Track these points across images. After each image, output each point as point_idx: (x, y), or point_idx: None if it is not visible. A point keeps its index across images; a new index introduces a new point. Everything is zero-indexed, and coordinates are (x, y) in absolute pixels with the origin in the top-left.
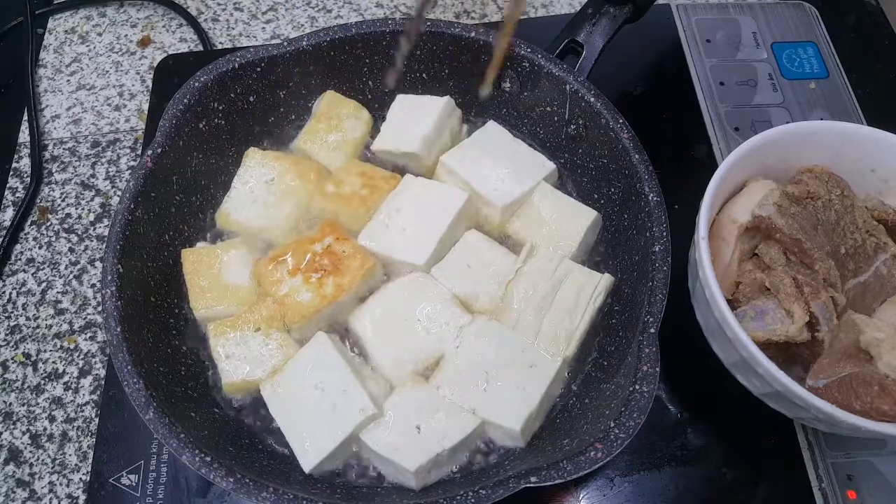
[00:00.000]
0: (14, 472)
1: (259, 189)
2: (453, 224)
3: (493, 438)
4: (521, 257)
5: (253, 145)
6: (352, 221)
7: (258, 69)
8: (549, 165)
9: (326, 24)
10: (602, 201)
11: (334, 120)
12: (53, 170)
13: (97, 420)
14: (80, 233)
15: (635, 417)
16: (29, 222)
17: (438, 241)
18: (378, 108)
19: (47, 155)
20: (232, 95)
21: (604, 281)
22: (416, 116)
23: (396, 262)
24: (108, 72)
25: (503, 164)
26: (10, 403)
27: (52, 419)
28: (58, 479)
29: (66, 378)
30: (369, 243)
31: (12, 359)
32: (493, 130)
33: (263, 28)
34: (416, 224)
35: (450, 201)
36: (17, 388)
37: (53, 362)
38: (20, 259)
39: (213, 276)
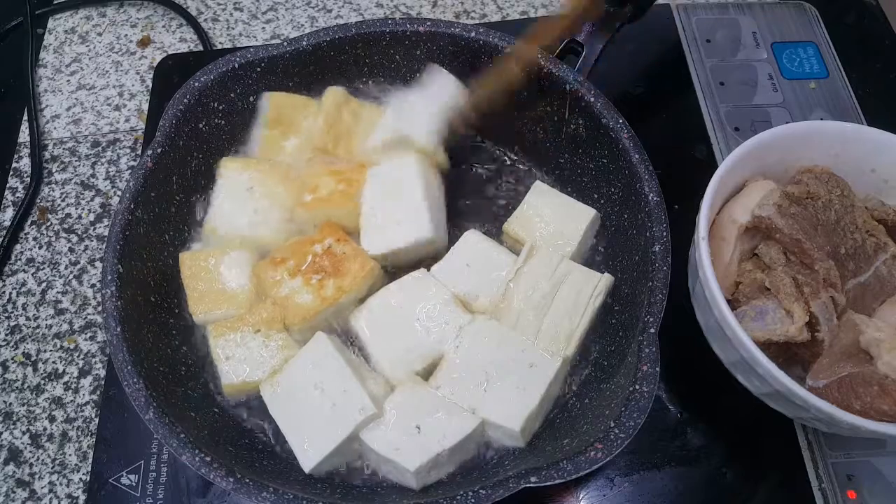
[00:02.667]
0: (14, 472)
1: (242, 199)
2: (427, 186)
3: (493, 438)
4: (521, 257)
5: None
6: (344, 218)
7: (258, 69)
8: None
9: (326, 24)
10: (602, 201)
11: (286, 124)
12: (53, 170)
13: (97, 420)
14: (80, 233)
15: (635, 417)
16: (29, 222)
17: (428, 206)
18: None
19: (47, 155)
20: (232, 95)
21: (604, 281)
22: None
23: (407, 248)
24: (108, 72)
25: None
26: (10, 403)
27: (52, 419)
28: (58, 479)
29: (66, 378)
30: (375, 250)
31: (12, 359)
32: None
33: (263, 28)
34: (402, 207)
35: (407, 170)
36: (17, 388)
37: (53, 362)
38: (20, 259)
39: (210, 279)
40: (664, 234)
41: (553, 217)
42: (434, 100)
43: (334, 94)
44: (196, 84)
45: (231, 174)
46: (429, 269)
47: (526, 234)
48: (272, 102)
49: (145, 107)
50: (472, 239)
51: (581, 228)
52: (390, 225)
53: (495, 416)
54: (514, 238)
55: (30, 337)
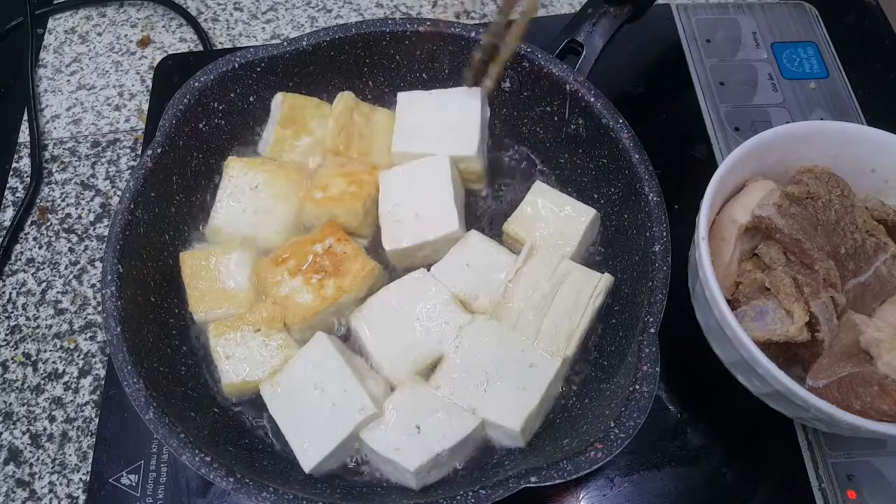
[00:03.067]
0: (14, 472)
1: (247, 198)
2: (454, 183)
3: (493, 438)
4: (521, 257)
5: (252, 146)
6: (349, 219)
7: (258, 69)
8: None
9: (326, 24)
10: (602, 201)
11: (299, 124)
12: (53, 170)
13: (97, 420)
14: (80, 233)
15: (635, 417)
16: (29, 222)
17: (455, 203)
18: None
19: (47, 155)
20: (232, 95)
21: (604, 281)
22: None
23: (434, 241)
24: (108, 72)
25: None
26: (10, 403)
27: (52, 419)
28: (58, 479)
29: (66, 378)
30: (395, 245)
31: (12, 359)
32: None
33: (263, 28)
34: (424, 203)
35: (436, 168)
36: (17, 388)
37: (53, 362)
38: (20, 259)
39: (211, 279)
40: (664, 234)
41: (553, 217)
42: (470, 112)
43: (345, 98)
44: (196, 84)
45: (237, 173)
46: (429, 270)
47: (526, 234)
48: (286, 102)
49: (145, 107)
50: (473, 239)
51: (581, 228)
52: (411, 220)
53: (495, 416)
54: (514, 238)
55: (30, 337)
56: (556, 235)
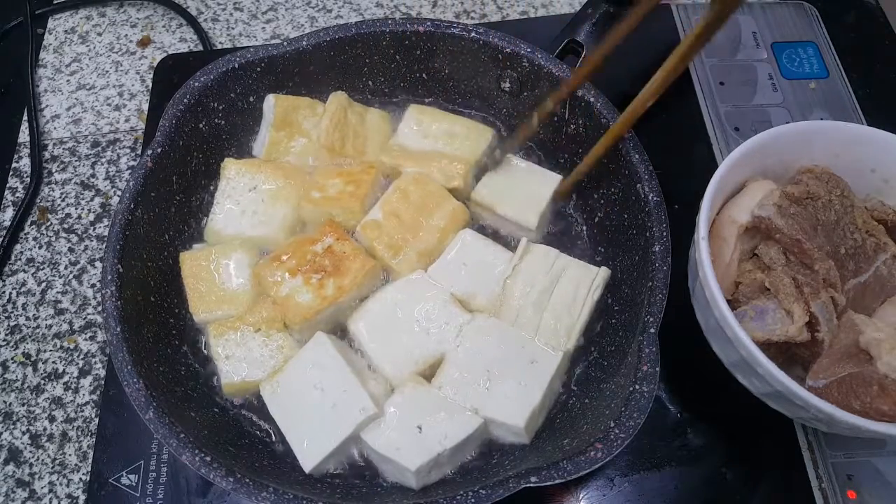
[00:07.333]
0: (14, 472)
1: (245, 199)
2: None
3: (497, 436)
4: (518, 254)
5: (251, 146)
6: (347, 218)
7: (258, 69)
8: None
9: (326, 24)
10: (602, 201)
11: (293, 126)
12: (53, 170)
13: (97, 420)
14: (80, 233)
15: (635, 417)
16: (29, 222)
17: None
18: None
19: (47, 155)
20: (232, 95)
21: (601, 274)
22: None
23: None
24: (107, 72)
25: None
26: (10, 403)
27: (52, 419)
28: (58, 479)
29: (66, 378)
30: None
31: (12, 359)
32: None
33: (263, 28)
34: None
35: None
36: (17, 388)
37: (53, 362)
38: (20, 259)
39: (211, 279)
40: (664, 234)
41: (519, 185)
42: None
43: (339, 97)
44: (196, 84)
45: (234, 175)
46: (426, 270)
47: (493, 201)
48: (279, 105)
49: (145, 107)
50: (468, 238)
51: (547, 194)
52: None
53: (499, 414)
54: (483, 204)
55: (30, 337)
56: (522, 202)
